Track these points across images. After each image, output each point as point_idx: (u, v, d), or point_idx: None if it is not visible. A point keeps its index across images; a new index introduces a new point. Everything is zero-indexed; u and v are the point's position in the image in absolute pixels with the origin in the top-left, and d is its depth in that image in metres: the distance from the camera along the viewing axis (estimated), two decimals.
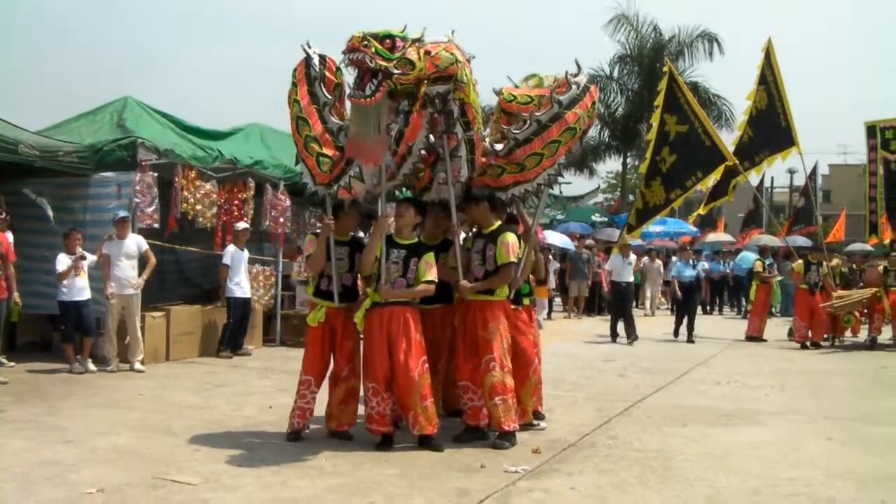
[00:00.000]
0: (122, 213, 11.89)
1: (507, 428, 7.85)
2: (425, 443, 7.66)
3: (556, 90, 8.21)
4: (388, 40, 6.96)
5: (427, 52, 7.17)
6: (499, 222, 8.20)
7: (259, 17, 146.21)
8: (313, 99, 7.58)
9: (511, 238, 8.00)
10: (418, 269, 7.66)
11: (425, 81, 7.20)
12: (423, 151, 7.87)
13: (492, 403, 7.83)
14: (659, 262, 26.95)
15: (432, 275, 7.70)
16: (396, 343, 7.55)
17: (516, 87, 8.87)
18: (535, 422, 8.67)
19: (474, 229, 8.49)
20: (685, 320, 18.74)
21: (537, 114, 8.07)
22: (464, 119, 7.65)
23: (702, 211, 20.86)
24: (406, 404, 7.61)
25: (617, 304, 18.91)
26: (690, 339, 18.22)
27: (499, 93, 8.75)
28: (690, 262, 20.08)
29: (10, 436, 7.87)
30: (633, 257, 20.31)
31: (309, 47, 7.74)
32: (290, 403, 8.06)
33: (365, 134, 7.05)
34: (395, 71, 6.90)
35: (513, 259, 7.93)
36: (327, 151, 7.44)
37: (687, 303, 19.11)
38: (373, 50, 6.82)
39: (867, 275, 18.74)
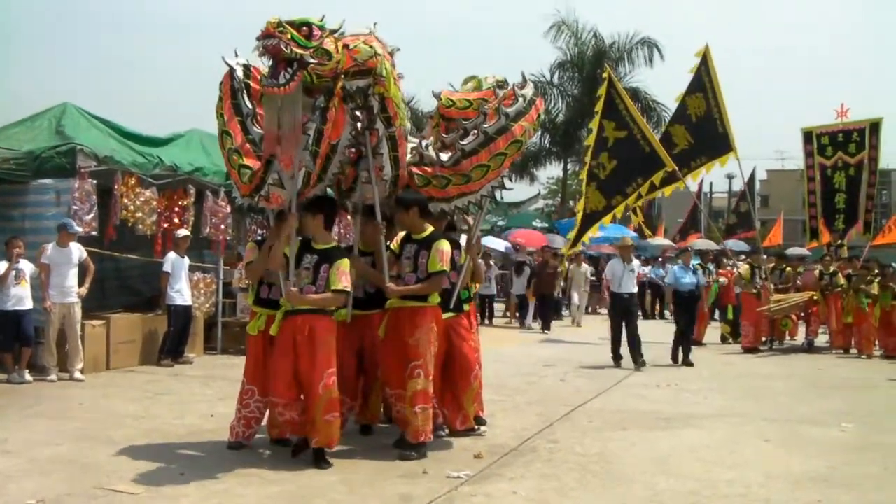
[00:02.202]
0: (77, 228, 11.77)
1: (421, 439, 7.67)
2: (317, 458, 7.29)
3: (503, 102, 8.23)
4: (305, 28, 6.69)
5: (345, 46, 6.97)
6: (431, 228, 8.07)
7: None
8: (236, 111, 7.40)
9: (445, 246, 7.86)
10: (329, 277, 7.28)
11: (343, 76, 7.03)
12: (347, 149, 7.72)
13: (411, 411, 7.66)
14: (586, 266, 25.16)
15: (343, 283, 7.31)
16: (301, 353, 7.24)
17: (456, 91, 8.91)
18: (476, 427, 8.69)
19: (401, 234, 8.29)
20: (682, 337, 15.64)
21: (485, 125, 8.03)
22: (385, 115, 7.53)
23: (631, 202, 20.02)
24: (309, 416, 7.32)
25: (617, 319, 15.18)
26: (687, 362, 15.26)
27: (438, 97, 8.77)
28: (690, 267, 16.42)
29: None
30: (636, 263, 17.32)
31: (236, 56, 7.59)
32: (232, 412, 8.00)
33: (278, 127, 6.77)
34: (311, 60, 6.62)
35: (444, 268, 7.79)
36: (248, 162, 7.20)
37: (685, 317, 15.82)
38: (288, 36, 6.53)
39: (804, 278, 19.06)
